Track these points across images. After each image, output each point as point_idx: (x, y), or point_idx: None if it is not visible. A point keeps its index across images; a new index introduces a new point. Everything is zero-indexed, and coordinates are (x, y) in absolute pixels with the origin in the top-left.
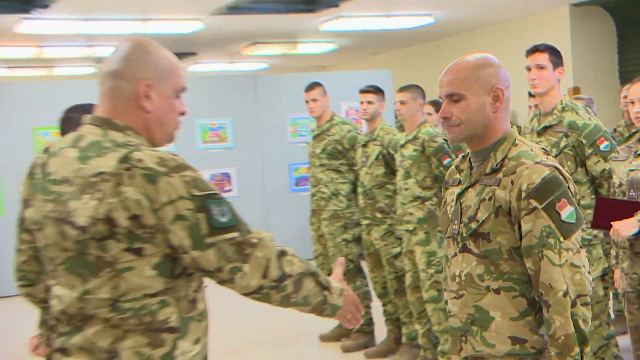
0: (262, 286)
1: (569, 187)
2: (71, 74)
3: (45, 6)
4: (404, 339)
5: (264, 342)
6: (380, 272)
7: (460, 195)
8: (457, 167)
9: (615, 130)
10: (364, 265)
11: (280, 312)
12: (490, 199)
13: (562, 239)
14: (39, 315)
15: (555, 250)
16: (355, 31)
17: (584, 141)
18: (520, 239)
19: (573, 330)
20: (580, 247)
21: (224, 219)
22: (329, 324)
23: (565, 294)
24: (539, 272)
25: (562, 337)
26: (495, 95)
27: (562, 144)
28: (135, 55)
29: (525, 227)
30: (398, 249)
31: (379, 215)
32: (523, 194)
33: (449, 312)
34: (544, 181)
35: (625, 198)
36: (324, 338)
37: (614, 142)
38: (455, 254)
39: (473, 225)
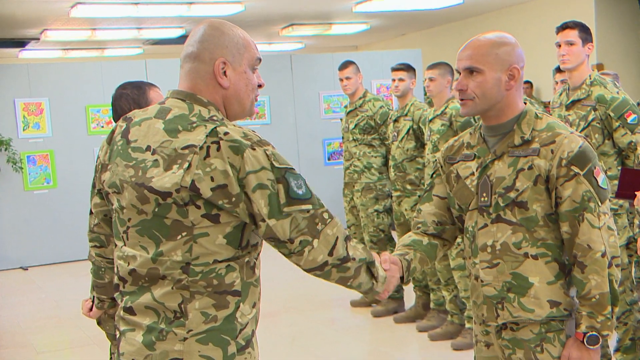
0: (326, 262)
1: None
2: (120, 55)
3: None
4: (432, 305)
5: (296, 307)
6: None
7: (485, 168)
8: (466, 143)
9: (639, 104)
10: (395, 235)
11: (312, 278)
12: (530, 168)
13: (600, 203)
14: (92, 279)
15: (594, 213)
16: (387, 12)
17: (611, 114)
18: (556, 205)
19: (608, 289)
20: (611, 214)
21: (300, 191)
22: None
23: (604, 255)
24: (577, 235)
25: (597, 296)
26: (511, 74)
27: (590, 117)
28: (210, 37)
29: (565, 192)
30: None
31: (409, 187)
32: (564, 162)
33: (482, 281)
34: (582, 150)
35: None
36: (355, 303)
37: None
38: (486, 225)
39: (512, 195)
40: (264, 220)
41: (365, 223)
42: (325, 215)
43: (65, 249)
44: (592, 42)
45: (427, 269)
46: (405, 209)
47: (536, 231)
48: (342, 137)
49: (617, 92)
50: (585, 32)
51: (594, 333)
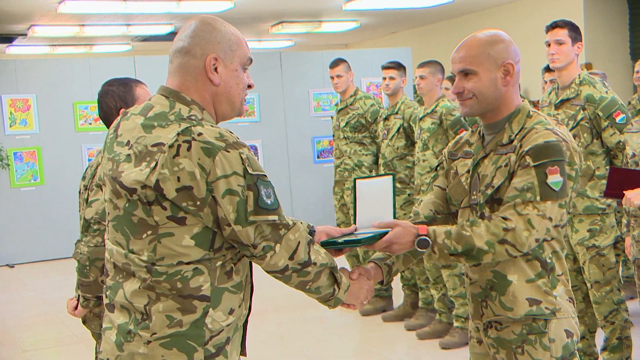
0: (287, 267)
1: (569, 161)
2: (109, 51)
3: None
4: (420, 304)
5: (285, 305)
6: None
7: (476, 166)
8: (467, 140)
9: (629, 103)
10: None
11: None
12: (506, 165)
13: (537, 198)
14: (77, 277)
15: (525, 202)
16: (377, 10)
17: (600, 114)
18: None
19: (479, 246)
20: (551, 219)
21: (268, 201)
22: None
23: (506, 230)
24: (501, 211)
25: (468, 235)
26: (506, 70)
27: (579, 117)
28: (201, 32)
29: (514, 180)
30: None
31: (398, 185)
32: (522, 152)
33: (470, 279)
34: (546, 144)
35: (638, 168)
36: None
37: (629, 114)
38: None
39: (489, 192)
40: (229, 225)
41: None
42: (289, 222)
43: (52, 247)
44: (581, 41)
45: (415, 267)
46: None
47: None
48: (333, 135)
49: (606, 92)
50: (574, 31)
51: (429, 240)
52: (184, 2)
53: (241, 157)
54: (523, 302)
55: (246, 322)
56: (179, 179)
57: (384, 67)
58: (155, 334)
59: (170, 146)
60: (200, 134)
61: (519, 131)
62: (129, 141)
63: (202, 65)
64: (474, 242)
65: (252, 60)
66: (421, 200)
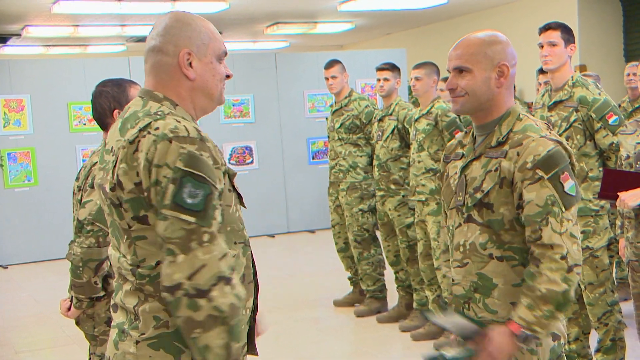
0: (180, 285)
1: (571, 162)
2: (103, 52)
3: None
4: (414, 305)
5: (280, 307)
6: (394, 241)
7: (464, 167)
8: (460, 142)
9: (619, 105)
10: (378, 234)
11: (296, 278)
12: (496, 170)
13: (563, 209)
14: (70, 278)
15: (558, 219)
16: (372, 11)
17: (593, 115)
18: (520, 208)
19: (561, 290)
20: (576, 222)
21: (189, 200)
22: (343, 290)
23: (563, 258)
24: (540, 239)
25: (544, 290)
26: (501, 71)
27: (572, 118)
28: (173, 29)
29: (528, 196)
30: (411, 219)
31: (393, 186)
32: (529, 164)
33: (453, 280)
34: (549, 154)
35: (632, 170)
36: (338, 303)
37: (622, 116)
38: (460, 224)
39: (478, 196)
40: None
41: (349, 222)
42: (206, 238)
43: (46, 247)
44: (574, 43)
45: (409, 269)
46: (389, 209)
47: (502, 234)
48: (328, 136)
49: (599, 94)
50: (567, 33)
51: (527, 332)
52: (178, 2)
53: (180, 152)
54: (507, 305)
55: (253, 321)
56: (137, 174)
57: (378, 69)
58: (144, 334)
59: (131, 142)
60: (157, 128)
61: (507, 133)
62: (112, 147)
63: (175, 62)
64: (555, 291)
65: (226, 54)
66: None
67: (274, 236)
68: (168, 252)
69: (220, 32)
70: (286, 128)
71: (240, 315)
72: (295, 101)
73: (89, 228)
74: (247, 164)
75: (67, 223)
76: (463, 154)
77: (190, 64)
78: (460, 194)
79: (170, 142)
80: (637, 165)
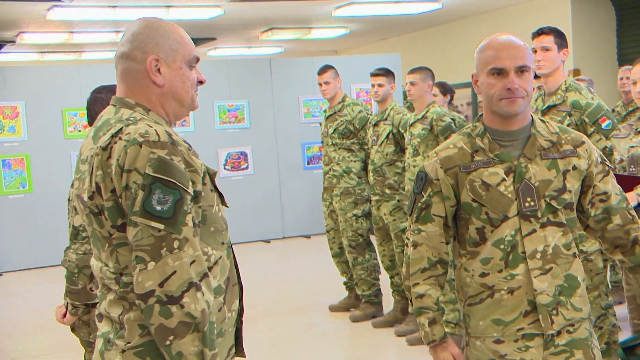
0: (152, 292)
1: None
2: (97, 58)
3: None
4: (410, 309)
5: (275, 312)
6: (389, 246)
7: (521, 172)
8: (479, 148)
9: (613, 110)
10: (373, 239)
11: (291, 283)
12: (574, 168)
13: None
14: (66, 285)
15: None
16: (366, 17)
17: (586, 120)
18: (591, 202)
19: None
20: None
21: (159, 207)
22: (339, 295)
23: None
24: (630, 222)
25: None
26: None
27: (566, 123)
28: (140, 35)
29: (605, 187)
30: (406, 223)
31: (388, 191)
32: (599, 159)
33: (535, 290)
34: (602, 150)
35: (626, 173)
36: (333, 308)
37: (615, 120)
38: (534, 231)
39: (566, 197)
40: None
41: (344, 227)
42: (176, 244)
43: (41, 254)
44: (567, 47)
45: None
46: (384, 213)
47: (574, 231)
48: (322, 142)
49: (592, 98)
50: (560, 37)
51: None
52: (173, 9)
53: (150, 157)
54: (587, 300)
55: (239, 323)
56: (111, 180)
57: (372, 75)
58: (129, 343)
59: (104, 148)
60: (128, 133)
61: (555, 134)
62: (87, 157)
63: (143, 69)
64: None
65: (198, 59)
66: (420, 229)
67: (269, 242)
68: (139, 260)
69: (214, 39)
70: (281, 133)
71: (210, 322)
72: (290, 106)
73: (84, 234)
74: (242, 169)
75: (62, 230)
76: (496, 160)
77: (158, 70)
78: (529, 199)
79: (141, 146)
80: (631, 169)
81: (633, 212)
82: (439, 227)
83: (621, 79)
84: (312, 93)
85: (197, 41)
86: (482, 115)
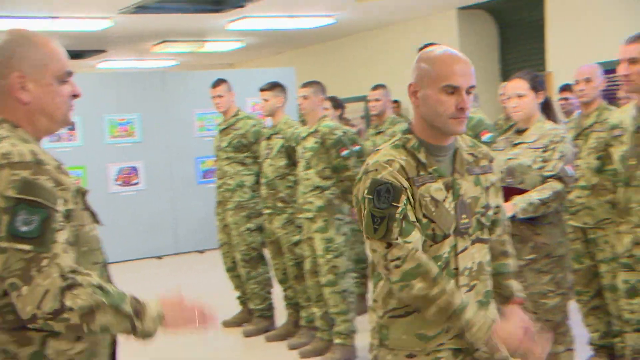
0: (35, 315)
1: None
2: None
3: None
4: (302, 322)
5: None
6: (281, 259)
7: (456, 188)
8: (421, 163)
9: (496, 123)
10: (266, 252)
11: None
12: (492, 184)
13: None
14: None
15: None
16: (261, 30)
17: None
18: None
19: None
20: None
21: (24, 228)
22: (233, 310)
23: None
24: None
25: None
26: None
27: None
28: (5, 50)
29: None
30: (298, 237)
31: (280, 204)
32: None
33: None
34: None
35: (503, 184)
36: (227, 324)
37: (496, 134)
38: (466, 248)
39: (491, 213)
40: None
41: (237, 241)
42: (45, 263)
43: None
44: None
45: (296, 285)
46: (277, 227)
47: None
48: (215, 156)
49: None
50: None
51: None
52: (59, 19)
53: (12, 179)
54: (497, 313)
55: (114, 343)
56: None
57: (260, 90)
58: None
59: None
60: None
61: (472, 147)
62: None
63: (7, 84)
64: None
65: (71, 73)
66: (409, 240)
67: (161, 257)
68: (13, 287)
69: (104, 51)
70: (174, 147)
71: (105, 294)
72: (184, 120)
73: None
74: (133, 184)
75: None
76: (435, 175)
77: (22, 87)
78: (464, 216)
79: (3, 168)
80: (508, 180)
81: (509, 222)
82: (419, 233)
83: (502, 94)
84: (206, 107)
85: (85, 53)
86: (408, 129)
